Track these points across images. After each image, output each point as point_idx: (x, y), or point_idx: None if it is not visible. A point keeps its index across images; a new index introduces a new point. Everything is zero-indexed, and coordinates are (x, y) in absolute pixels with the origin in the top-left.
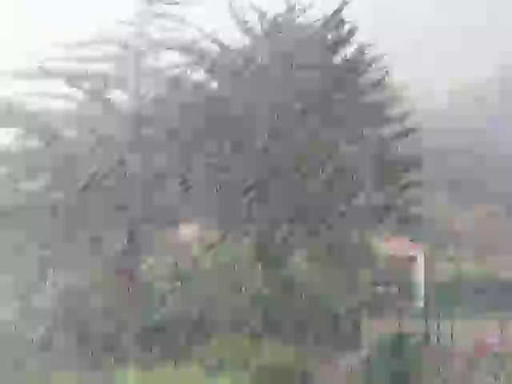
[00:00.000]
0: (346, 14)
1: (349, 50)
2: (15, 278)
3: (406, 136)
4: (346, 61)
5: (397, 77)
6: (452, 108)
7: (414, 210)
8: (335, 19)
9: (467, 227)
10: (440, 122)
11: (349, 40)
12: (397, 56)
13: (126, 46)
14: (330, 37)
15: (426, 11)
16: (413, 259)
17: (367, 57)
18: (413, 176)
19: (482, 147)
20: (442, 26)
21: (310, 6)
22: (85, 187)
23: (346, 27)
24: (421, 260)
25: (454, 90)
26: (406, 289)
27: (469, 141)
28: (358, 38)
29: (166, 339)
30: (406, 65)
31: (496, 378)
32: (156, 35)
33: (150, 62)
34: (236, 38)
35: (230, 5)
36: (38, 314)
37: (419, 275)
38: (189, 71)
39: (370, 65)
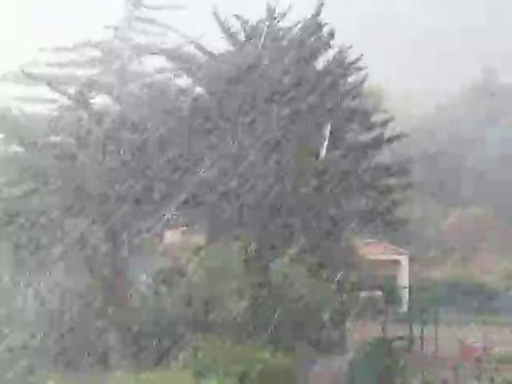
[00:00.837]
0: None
1: (329, 54)
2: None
3: (392, 142)
4: (328, 65)
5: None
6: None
7: (397, 213)
8: (314, 23)
9: (452, 230)
10: (424, 124)
11: (329, 44)
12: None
13: (110, 51)
14: (309, 41)
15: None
16: (397, 263)
17: (347, 60)
18: (397, 180)
19: (468, 148)
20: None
21: (290, 9)
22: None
23: (325, 30)
24: (405, 264)
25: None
26: (390, 293)
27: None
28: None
29: (152, 342)
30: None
31: (479, 381)
32: (140, 40)
33: (134, 66)
34: (218, 45)
35: (214, 10)
36: (21, 318)
37: (403, 279)
38: (172, 76)
39: (350, 68)
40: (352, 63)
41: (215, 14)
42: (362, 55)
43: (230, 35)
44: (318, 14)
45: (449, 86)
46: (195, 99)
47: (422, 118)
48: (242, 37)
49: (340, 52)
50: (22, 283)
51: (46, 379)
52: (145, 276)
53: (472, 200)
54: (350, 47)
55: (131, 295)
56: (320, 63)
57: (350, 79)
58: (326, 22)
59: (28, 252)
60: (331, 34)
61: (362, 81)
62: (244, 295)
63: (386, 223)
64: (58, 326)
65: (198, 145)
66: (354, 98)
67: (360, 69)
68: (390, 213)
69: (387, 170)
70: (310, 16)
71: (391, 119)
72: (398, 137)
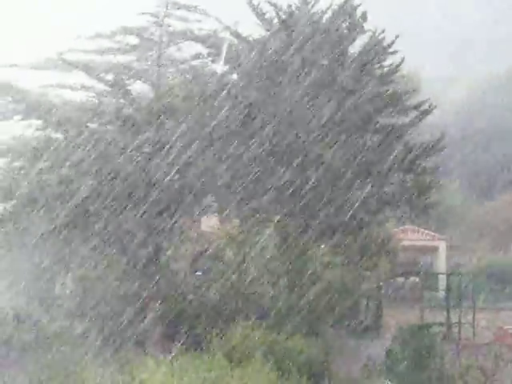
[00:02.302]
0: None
1: (362, 37)
2: (34, 271)
3: (426, 114)
4: (364, 48)
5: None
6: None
7: (432, 198)
8: (347, 6)
9: (489, 216)
10: (457, 110)
11: (363, 28)
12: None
13: (147, 38)
14: (344, 25)
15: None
16: (434, 249)
17: (381, 44)
18: (430, 164)
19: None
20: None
21: None
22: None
23: (358, 13)
24: (442, 250)
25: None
26: (428, 279)
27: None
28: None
29: (188, 328)
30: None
31: None
32: (177, 26)
33: (171, 53)
34: (254, 30)
35: None
36: (57, 304)
37: (441, 265)
38: (209, 62)
39: (385, 52)
40: (387, 46)
41: (249, 1)
42: (396, 37)
43: (265, 21)
44: None
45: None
46: (231, 85)
47: (459, 103)
48: (276, 22)
49: (374, 36)
50: (60, 270)
51: (85, 366)
52: (182, 262)
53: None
54: (384, 31)
55: (168, 281)
56: (355, 47)
57: (386, 63)
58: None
59: (65, 238)
60: (364, 17)
61: (398, 65)
62: (280, 281)
63: (420, 207)
64: (94, 313)
65: (234, 132)
66: (389, 82)
67: (395, 52)
68: (424, 197)
69: (423, 151)
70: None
71: (426, 101)
72: (428, 111)
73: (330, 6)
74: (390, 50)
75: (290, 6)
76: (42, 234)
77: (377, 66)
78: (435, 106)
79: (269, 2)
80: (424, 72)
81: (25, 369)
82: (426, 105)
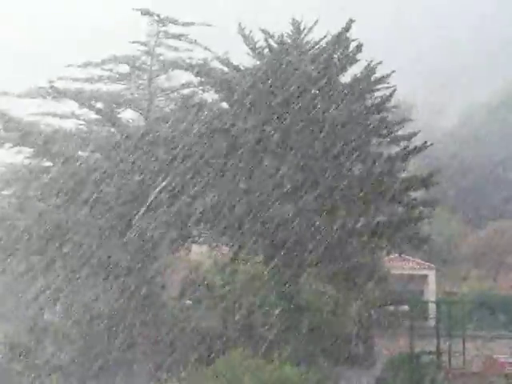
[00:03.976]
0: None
1: (356, 69)
2: (26, 297)
3: (419, 152)
4: (355, 79)
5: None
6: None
7: (423, 228)
8: (342, 38)
9: (479, 245)
10: (449, 139)
11: (355, 58)
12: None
13: (138, 66)
14: (336, 55)
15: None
16: (424, 278)
17: (375, 76)
18: (421, 194)
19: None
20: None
21: (316, 24)
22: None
23: (353, 45)
24: (432, 278)
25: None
26: (418, 307)
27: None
28: (365, 55)
29: (177, 356)
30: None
31: None
32: (167, 55)
33: (161, 81)
34: (244, 59)
35: (240, 26)
36: (47, 332)
37: (431, 293)
38: (200, 91)
39: (377, 83)
40: (380, 79)
41: (240, 30)
42: (392, 71)
43: (256, 50)
44: (347, 29)
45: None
46: (221, 114)
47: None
48: (267, 51)
49: (368, 67)
50: (50, 298)
51: None
52: (171, 290)
53: (500, 214)
54: (380, 63)
55: (157, 310)
56: (347, 78)
57: (379, 93)
58: (355, 38)
59: (57, 265)
60: (359, 48)
61: (389, 96)
62: (271, 310)
63: (410, 238)
64: (83, 342)
65: (223, 159)
66: (379, 112)
67: (388, 85)
68: (415, 227)
69: (414, 183)
70: (337, 31)
71: (417, 133)
72: (422, 147)
73: (325, 36)
74: (384, 83)
75: (281, 35)
76: (33, 261)
77: (368, 96)
78: (431, 144)
79: (261, 30)
80: (415, 99)
81: None
82: (417, 137)
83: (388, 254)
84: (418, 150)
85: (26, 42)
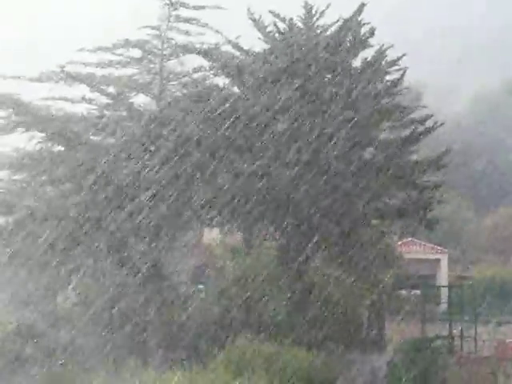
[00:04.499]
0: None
1: (368, 53)
2: (35, 284)
3: (430, 132)
4: (367, 63)
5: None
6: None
7: (434, 213)
8: (353, 21)
9: (491, 230)
10: (459, 123)
11: (367, 42)
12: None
13: (149, 51)
14: (348, 39)
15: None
16: (436, 262)
17: (386, 59)
18: (432, 178)
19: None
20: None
21: (328, 8)
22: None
23: (364, 29)
24: (444, 263)
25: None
26: (430, 292)
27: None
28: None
29: (189, 341)
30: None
31: None
32: (179, 39)
33: (172, 66)
34: (256, 43)
35: (249, 10)
36: (61, 316)
37: (443, 278)
38: (211, 75)
39: (388, 67)
40: (391, 62)
41: (250, 14)
42: (403, 55)
43: (267, 34)
44: (358, 13)
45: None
46: (232, 98)
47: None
48: (278, 35)
49: (379, 51)
50: (62, 282)
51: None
52: (183, 274)
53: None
54: (391, 46)
55: (169, 294)
56: (359, 62)
57: (390, 77)
58: (367, 21)
59: (66, 251)
60: (371, 33)
61: (400, 77)
62: (282, 295)
63: (421, 221)
64: (95, 326)
65: (234, 144)
66: (391, 95)
67: (399, 68)
68: (425, 211)
69: (425, 166)
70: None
71: (430, 116)
72: (432, 129)
73: (337, 20)
74: (395, 66)
75: (291, 18)
76: (44, 247)
77: (379, 79)
78: (441, 124)
79: (271, 13)
80: (426, 81)
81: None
82: (430, 120)
83: (400, 238)
84: (428, 131)
85: (34, 27)
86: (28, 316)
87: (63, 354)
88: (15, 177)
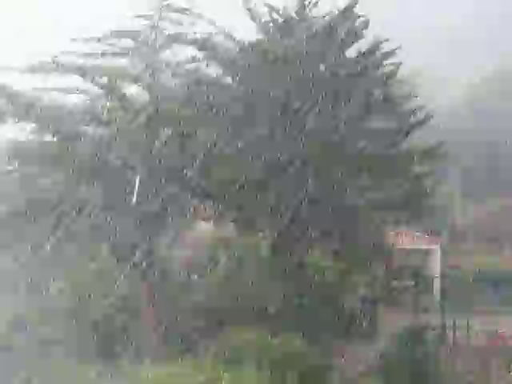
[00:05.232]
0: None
1: (362, 44)
2: (28, 276)
3: (422, 124)
4: (362, 55)
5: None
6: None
7: (427, 201)
8: (348, 13)
9: (484, 221)
10: (452, 111)
11: (361, 34)
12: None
13: (141, 41)
14: (342, 30)
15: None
16: (428, 252)
17: (381, 51)
18: (425, 168)
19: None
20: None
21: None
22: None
23: (359, 21)
24: (437, 253)
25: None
26: (422, 282)
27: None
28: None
29: (181, 332)
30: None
31: (510, 371)
32: (171, 29)
33: (165, 56)
34: (249, 34)
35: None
36: (52, 307)
37: (435, 268)
38: (203, 66)
39: (383, 59)
40: (386, 54)
41: (245, 4)
42: (398, 47)
43: (260, 24)
44: (353, 4)
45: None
46: (224, 89)
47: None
48: (272, 25)
49: (374, 42)
50: (55, 273)
51: (84, 371)
52: (177, 265)
53: (502, 188)
54: (387, 40)
55: (163, 285)
56: (353, 53)
57: (385, 69)
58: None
59: (61, 240)
60: (366, 24)
61: (395, 70)
62: (275, 285)
63: (414, 211)
64: (88, 318)
65: (226, 135)
66: (385, 86)
67: (394, 61)
68: (419, 201)
69: (418, 156)
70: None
71: (422, 107)
72: (426, 120)
73: (331, 11)
74: (390, 58)
75: (285, 7)
76: (36, 238)
77: (374, 71)
78: (431, 116)
79: (266, 5)
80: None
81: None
82: (422, 112)
83: (393, 228)
84: (421, 122)
85: (28, 15)
86: (19, 305)
87: (58, 344)
88: (8, 167)
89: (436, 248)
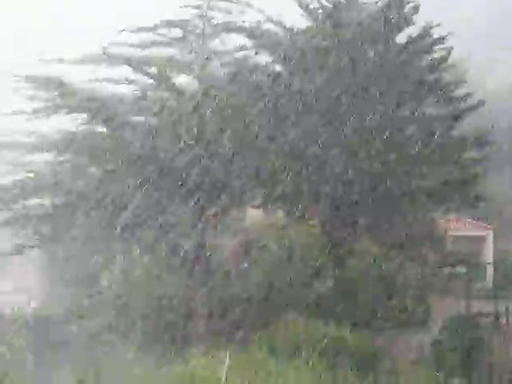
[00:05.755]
0: None
1: (412, 30)
2: (81, 265)
3: (473, 110)
4: (412, 40)
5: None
6: None
7: (478, 188)
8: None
9: None
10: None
11: (411, 19)
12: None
13: (191, 30)
14: (392, 16)
15: None
16: (481, 239)
17: (431, 37)
18: (475, 154)
19: None
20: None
21: None
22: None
23: (409, 6)
24: (489, 239)
25: None
26: (475, 269)
27: None
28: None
29: (234, 322)
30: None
31: None
32: (220, 18)
33: (214, 45)
34: (298, 21)
35: None
36: (103, 299)
37: (488, 255)
38: (253, 54)
39: (433, 45)
40: (436, 40)
41: None
42: (449, 33)
43: (309, 12)
44: None
45: None
46: (276, 77)
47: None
48: (321, 12)
49: (424, 28)
50: (105, 264)
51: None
52: (227, 254)
53: None
54: (438, 25)
55: (213, 274)
56: (403, 39)
57: (435, 55)
58: None
59: (110, 233)
60: (415, 9)
61: (446, 56)
62: (325, 274)
63: (466, 198)
64: (139, 308)
65: (278, 125)
66: (435, 72)
67: (444, 46)
68: (469, 188)
69: (468, 142)
70: None
71: (472, 93)
72: (476, 106)
73: None
74: (441, 44)
75: None
76: (87, 229)
77: (424, 56)
78: (483, 102)
79: None
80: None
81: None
82: (473, 98)
83: (444, 215)
84: (471, 108)
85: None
86: (72, 294)
87: (110, 334)
88: (60, 158)
89: (488, 234)
